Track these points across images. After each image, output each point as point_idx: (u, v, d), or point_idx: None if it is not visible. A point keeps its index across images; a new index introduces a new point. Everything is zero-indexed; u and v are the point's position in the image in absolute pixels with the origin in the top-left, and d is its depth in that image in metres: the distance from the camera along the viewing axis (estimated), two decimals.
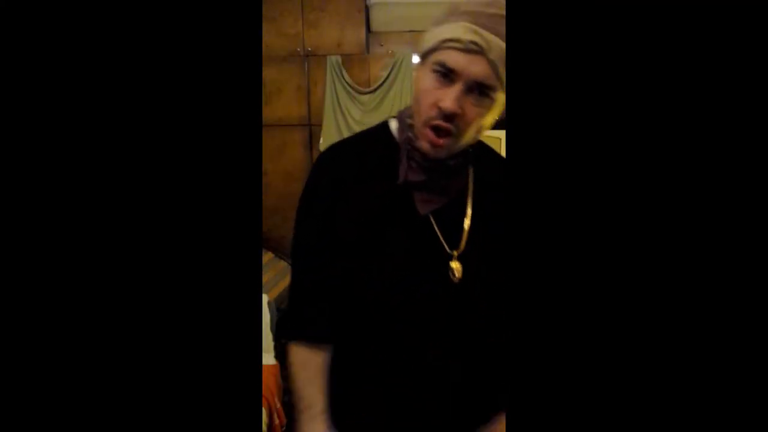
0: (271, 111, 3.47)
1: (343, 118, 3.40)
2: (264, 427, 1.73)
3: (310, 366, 0.81)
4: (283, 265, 3.28)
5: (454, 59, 0.69)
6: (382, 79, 3.38)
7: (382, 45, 3.46)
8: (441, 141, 0.72)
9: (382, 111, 3.32)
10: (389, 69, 3.36)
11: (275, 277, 3.09)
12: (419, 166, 0.76)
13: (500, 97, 0.72)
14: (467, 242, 0.76)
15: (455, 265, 0.75)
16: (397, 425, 0.79)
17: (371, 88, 3.40)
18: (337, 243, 0.78)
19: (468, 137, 0.74)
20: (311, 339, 0.82)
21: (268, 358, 1.96)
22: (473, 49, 0.68)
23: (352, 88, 3.40)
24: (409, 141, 0.76)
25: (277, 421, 1.85)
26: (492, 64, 0.69)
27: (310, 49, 3.42)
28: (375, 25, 3.47)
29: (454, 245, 0.76)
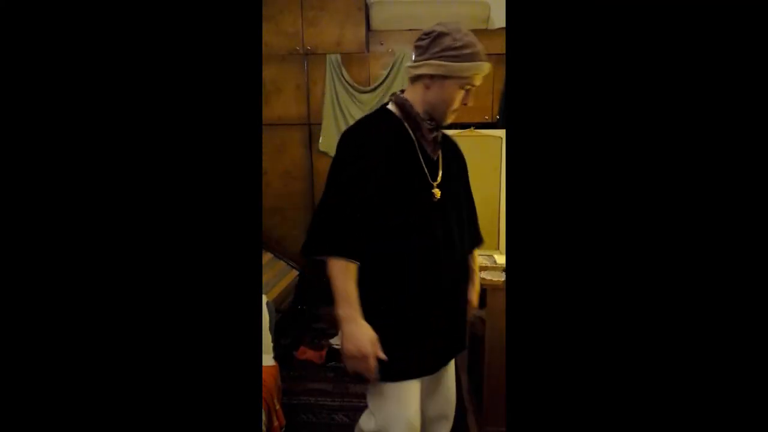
0: (270, 110, 3.47)
1: (343, 117, 3.40)
2: (263, 427, 1.73)
3: (348, 272, 1.23)
4: (283, 265, 3.27)
5: (478, 82, 1.30)
6: (382, 78, 3.38)
7: (382, 43, 3.46)
8: (455, 115, 1.37)
9: None
10: (389, 67, 3.36)
11: (275, 277, 3.09)
12: (428, 130, 1.35)
13: None
14: (441, 176, 1.37)
15: (435, 190, 1.34)
16: (411, 305, 1.30)
17: (371, 87, 3.40)
18: (366, 183, 1.25)
19: None
20: (346, 256, 1.24)
21: (268, 359, 1.96)
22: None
23: (352, 86, 3.40)
24: (418, 117, 1.34)
25: (276, 422, 1.85)
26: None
27: (309, 47, 3.42)
28: (375, 24, 3.46)
29: (434, 178, 1.37)
